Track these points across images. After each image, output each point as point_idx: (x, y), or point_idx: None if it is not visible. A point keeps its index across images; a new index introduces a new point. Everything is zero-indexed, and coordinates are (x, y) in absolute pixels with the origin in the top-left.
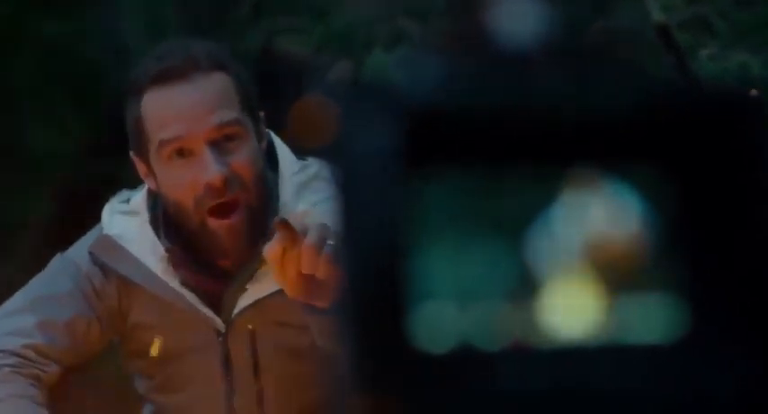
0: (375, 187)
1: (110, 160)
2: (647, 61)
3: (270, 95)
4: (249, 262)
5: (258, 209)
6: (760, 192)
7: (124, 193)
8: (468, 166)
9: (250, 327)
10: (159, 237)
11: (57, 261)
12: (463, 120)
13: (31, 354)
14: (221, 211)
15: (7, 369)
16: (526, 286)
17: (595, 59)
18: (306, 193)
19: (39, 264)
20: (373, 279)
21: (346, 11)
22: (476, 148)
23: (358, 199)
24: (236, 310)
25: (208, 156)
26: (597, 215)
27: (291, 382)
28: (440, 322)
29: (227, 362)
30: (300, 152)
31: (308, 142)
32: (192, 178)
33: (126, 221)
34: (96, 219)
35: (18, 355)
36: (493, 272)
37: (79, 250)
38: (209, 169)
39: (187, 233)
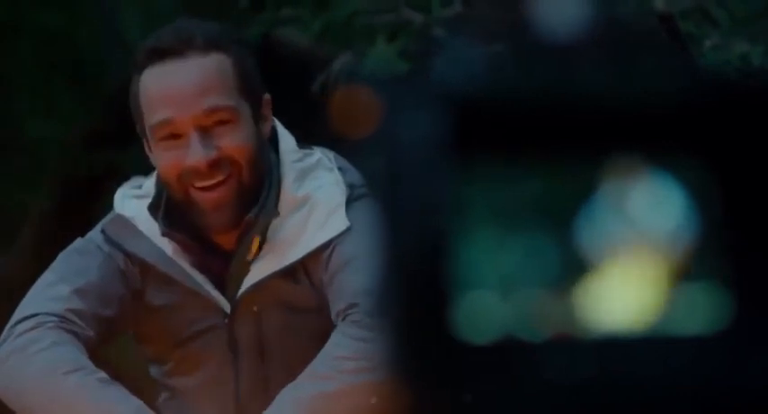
0: (420, 177)
1: (111, 148)
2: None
3: (271, 86)
4: (243, 237)
5: (250, 186)
6: None
7: (137, 179)
8: (512, 156)
9: (255, 309)
10: (157, 219)
11: (79, 243)
12: (507, 109)
13: (70, 315)
14: (207, 189)
15: (50, 324)
16: (570, 277)
17: (639, 48)
18: (307, 179)
19: (40, 250)
20: (418, 269)
21: (348, 1)
22: (519, 138)
23: (403, 188)
24: (240, 291)
25: (194, 140)
26: (641, 205)
27: (298, 366)
28: (484, 313)
29: (233, 344)
30: (344, 142)
31: (352, 132)
32: (177, 160)
33: (138, 204)
34: (97, 206)
35: (58, 315)
36: (537, 262)
37: (98, 233)
38: (194, 153)
39: (180, 209)
